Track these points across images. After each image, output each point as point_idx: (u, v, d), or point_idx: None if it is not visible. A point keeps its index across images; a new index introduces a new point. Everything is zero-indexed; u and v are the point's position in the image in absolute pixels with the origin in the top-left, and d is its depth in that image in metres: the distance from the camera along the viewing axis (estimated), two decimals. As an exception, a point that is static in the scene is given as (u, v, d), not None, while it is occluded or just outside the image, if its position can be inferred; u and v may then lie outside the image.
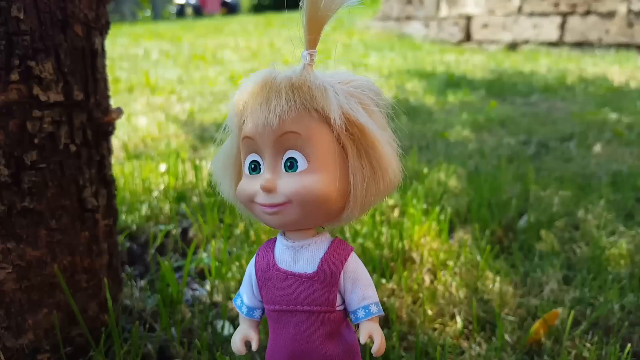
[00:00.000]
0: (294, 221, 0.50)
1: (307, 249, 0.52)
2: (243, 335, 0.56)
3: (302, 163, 0.48)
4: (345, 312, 0.53)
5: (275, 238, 0.54)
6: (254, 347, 0.56)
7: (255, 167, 0.50)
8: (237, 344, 0.55)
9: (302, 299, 0.51)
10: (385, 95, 0.51)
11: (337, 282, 0.51)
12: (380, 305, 0.53)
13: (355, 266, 0.52)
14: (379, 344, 0.51)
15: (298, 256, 0.52)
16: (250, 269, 0.55)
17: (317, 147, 0.48)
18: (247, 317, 0.56)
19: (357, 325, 0.53)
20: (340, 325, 0.53)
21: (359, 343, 0.54)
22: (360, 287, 0.52)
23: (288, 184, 0.48)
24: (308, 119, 0.47)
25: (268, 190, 0.48)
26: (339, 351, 0.52)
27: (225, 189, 0.55)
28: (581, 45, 4.61)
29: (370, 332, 0.51)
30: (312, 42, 0.49)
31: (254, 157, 0.50)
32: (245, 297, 0.56)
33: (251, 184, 0.50)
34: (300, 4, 0.48)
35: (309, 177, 0.47)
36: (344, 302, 0.52)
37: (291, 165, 0.48)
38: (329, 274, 0.51)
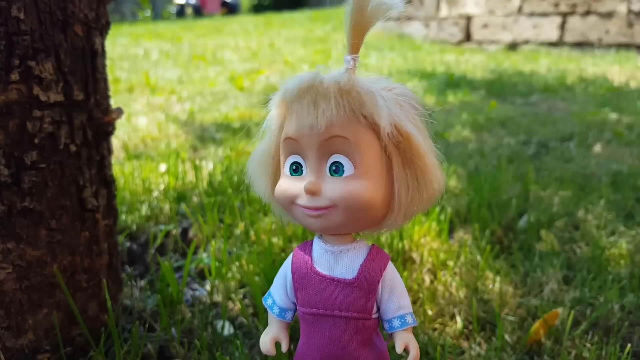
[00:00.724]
0: (336, 226, 0.49)
1: (346, 254, 0.51)
2: (274, 336, 0.55)
3: (348, 168, 0.47)
4: (378, 320, 0.53)
5: (312, 241, 0.54)
6: (284, 348, 0.55)
7: (296, 169, 0.49)
8: (267, 345, 0.55)
9: (340, 304, 0.50)
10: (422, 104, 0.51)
11: (376, 290, 0.51)
12: (414, 315, 0.53)
13: (392, 275, 0.52)
14: (414, 355, 0.51)
15: (337, 261, 0.51)
16: (286, 269, 0.54)
17: (364, 153, 0.47)
18: (279, 318, 0.55)
19: (390, 335, 0.53)
20: (373, 333, 0.53)
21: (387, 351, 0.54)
22: (396, 296, 0.52)
23: (334, 188, 0.47)
24: (356, 125, 0.47)
25: (313, 193, 0.47)
26: (372, 358, 0.52)
27: (260, 189, 0.55)
28: (581, 45, 4.61)
29: (406, 342, 0.51)
30: (355, 46, 0.48)
31: (295, 158, 0.49)
32: (278, 297, 0.55)
33: (293, 185, 0.49)
34: (346, 8, 0.47)
35: (355, 183, 0.47)
36: (378, 309, 0.52)
37: (337, 169, 0.47)
38: (368, 281, 0.50)
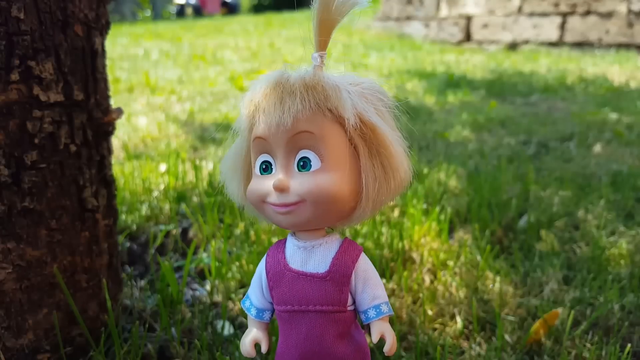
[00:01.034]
0: (306, 221, 0.49)
1: (319, 249, 0.52)
2: (253, 338, 0.55)
3: (315, 162, 0.48)
4: (355, 312, 0.53)
5: (286, 239, 0.54)
6: (264, 349, 0.55)
7: (266, 168, 0.50)
8: (246, 347, 0.55)
9: (314, 299, 0.51)
10: (390, 97, 0.52)
11: (348, 282, 0.51)
12: (390, 304, 0.53)
13: (365, 266, 0.52)
14: (390, 343, 0.51)
15: (309, 256, 0.52)
16: (261, 269, 0.54)
17: (330, 146, 0.48)
18: (257, 319, 0.55)
19: (367, 326, 0.53)
20: (350, 325, 0.53)
21: (367, 343, 0.54)
22: (370, 287, 0.52)
23: (301, 183, 0.48)
24: (321, 119, 0.48)
25: (281, 189, 0.48)
26: (350, 351, 0.52)
27: (233, 191, 0.55)
28: (581, 45, 4.61)
29: (382, 332, 0.51)
30: (322, 43, 0.49)
31: (265, 157, 0.50)
32: (255, 298, 0.55)
33: (263, 184, 0.50)
34: (312, 6, 0.48)
35: (323, 176, 0.48)
36: (354, 302, 0.53)
37: (304, 164, 0.48)
38: (340, 274, 0.51)
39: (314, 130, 0.47)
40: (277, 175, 0.49)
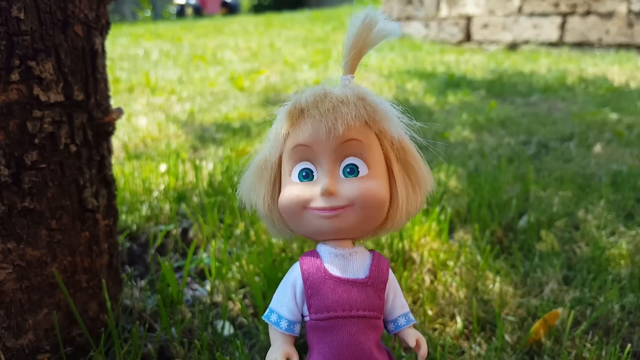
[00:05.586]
0: (350, 226, 0.51)
1: (355, 256, 0.53)
2: (285, 354, 0.51)
3: (362, 169, 0.50)
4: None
5: (314, 250, 0.55)
6: None
7: (307, 175, 0.51)
8: None
9: (356, 304, 0.51)
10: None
11: (385, 288, 0.53)
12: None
13: (393, 276, 0.55)
14: (425, 348, 0.54)
15: (347, 263, 0.53)
16: (294, 279, 0.53)
17: (375, 155, 0.51)
18: (287, 332, 0.52)
19: (395, 335, 0.55)
20: (380, 335, 0.54)
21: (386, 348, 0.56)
22: (399, 296, 0.55)
23: (350, 188, 0.50)
24: (367, 129, 0.51)
25: (330, 193, 0.49)
26: (384, 358, 0.53)
27: (257, 201, 0.55)
28: (581, 45, 4.61)
29: (418, 337, 0.54)
30: (353, 67, 0.52)
31: (305, 164, 0.52)
32: (285, 311, 0.53)
33: (305, 190, 0.51)
34: (347, 32, 0.51)
35: (371, 182, 0.50)
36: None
37: (351, 170, 0.50)
38: (379, 280, 0.53)
39: (362, 139, 0.50)
40: (321, 180, 0.50)
